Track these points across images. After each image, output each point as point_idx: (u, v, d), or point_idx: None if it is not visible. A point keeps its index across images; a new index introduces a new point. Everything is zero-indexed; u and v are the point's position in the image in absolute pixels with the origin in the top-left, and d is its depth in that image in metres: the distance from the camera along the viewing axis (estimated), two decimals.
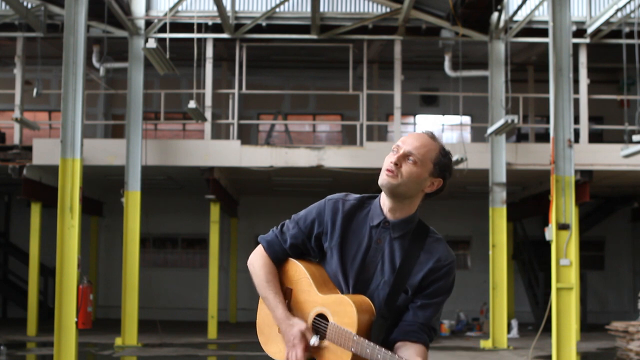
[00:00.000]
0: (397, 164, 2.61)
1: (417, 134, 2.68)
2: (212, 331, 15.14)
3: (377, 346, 2.50)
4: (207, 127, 14.99)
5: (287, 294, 2.74)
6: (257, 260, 2.79)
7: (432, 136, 2.68)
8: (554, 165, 10.21)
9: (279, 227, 2.83)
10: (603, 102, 17.17)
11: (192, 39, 13.72)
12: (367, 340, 2.51)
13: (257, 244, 2.87)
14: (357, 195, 2.79)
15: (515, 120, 11.80)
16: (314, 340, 2.59)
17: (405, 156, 2.62)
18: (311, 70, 19.23)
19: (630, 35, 14.02)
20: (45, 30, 14.23)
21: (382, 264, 2.66)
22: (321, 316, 2.65)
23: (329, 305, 2.62)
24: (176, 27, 14.14)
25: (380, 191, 2.72)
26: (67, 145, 10.20)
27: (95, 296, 18.52)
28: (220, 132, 17.96)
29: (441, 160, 2.66)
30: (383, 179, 2.62)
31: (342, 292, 2.69)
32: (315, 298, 2.66)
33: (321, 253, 2.76)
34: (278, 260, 2.78)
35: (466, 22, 14.01)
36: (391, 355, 2.47)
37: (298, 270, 2.74)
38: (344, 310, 2.58)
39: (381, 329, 2.60)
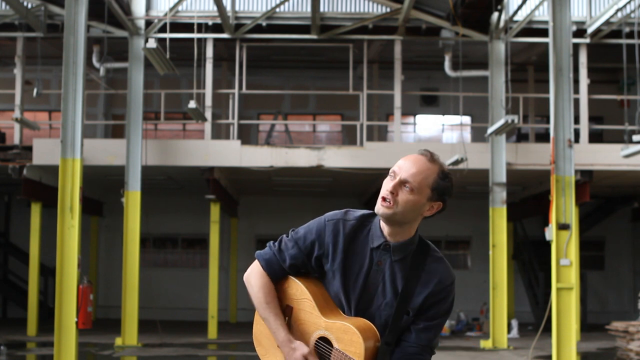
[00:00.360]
0: (393, 193, 2.56)
1: (414, 157, 2.61)
2: (212, 331, 15.14)
3: None
4: (207, 127, 14.99)
5: (286, 312, 2.72)
6: (256, 280, 2.74)
7: (430, 159, 2.61)
8: (554, 165, 10.21)
9: (276, 244, 2.77)
10: (603, 102, 17.16)
11: (192, 39, 13.72)
12: None
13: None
14: (357, 214, 2.74)
15: (515, 120, 11.79)
16: None
17: (401, 184, 2.56)
18: (311, 70, 19.23)
19: (630, 35, 14.02)
20: (45, 30, 14.23)
21: (384, 285, 2.65)
22: (323, 339, 2.63)
23: (333, 331, 2.60)
24: (176, 27, 14.14)
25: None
26: (67, 145, 10.20)
27: (95, 296, 18.52)
28: (220, 132, 17.96)
29: (440, 185, 2.60)
30: (379, 208, 2.59)
31: (344, 312, 2.68)
32: (318, 321, 2.64)
33: (321, 272, 2.73)
34: (277, 279, 2.75)
35: (466, 22, 14.01)
36: None
37: (299, 290, 2.71)
38: (349, 339, 2.56)
39: (385, 355, 2.60)
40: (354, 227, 2.69)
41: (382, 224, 2.65)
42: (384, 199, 2.57)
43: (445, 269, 2.66)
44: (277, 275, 2.73)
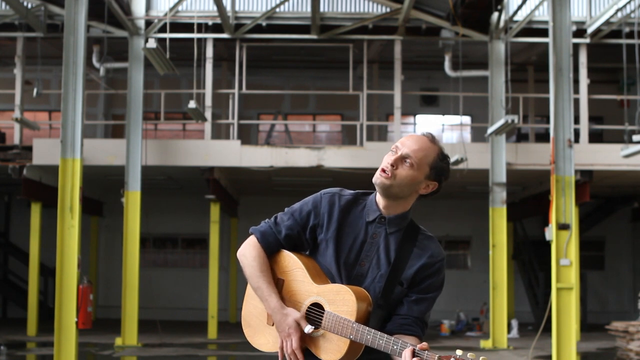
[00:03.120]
0: (394, 166, 2.64)
1: (417, 136, 2.71)
2: (212, 331, 15.14)
3: (379, 332, 2.52)
4: (207, 127, 14.99)
5: (278, 285, 2.75)
6: (250, 252, 2.80)
7: (432, 139, 2.71)
8: (554, 165, 10.21)
9: (272, 219, 2.84)
10: (603, 102, 17.16)
11: (192, 39, 13.72)
12: (367, 327, 2.54)
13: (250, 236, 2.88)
14: (352, 191, 2.82)
15: (515, 120, 11.79)
16: (308, 329, 2.60)
17: (402, 158, 2.65)
18: (311, 70, 19.22)
19: (630, 35, 14.01)
20: (45, 30, 14.23)
21: (378, 257, 2.70)
22: (316, 305, 2.66)
23: (325, 294, 2.64)
24: (176, 27, 14.14)
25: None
26: (67, 145, 10.20)
27: (95, 296, 18.52)
28: (220, 132, 17.96)
29: (438, 164, 2.69)
30: (377, 178, 2.67)
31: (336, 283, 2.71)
32: (310, 288, 2.67)
33: (314, 245, 2.78)
34: (271, 251, 2.79)
35: (466, 22, 14.00)
36: (394, 340, 2.49)
37: (291, 261, 2.75)
38: (342, 299, 2.59)
39: (378, 318, 2.63)
40: (350, 202, 2.76)
41: (378, 199, 2.73)
42: (383, 170, 2.65)
43: (436, 246, 2.74)
44: (271, 247, 2.79)
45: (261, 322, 2.76)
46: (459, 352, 2.36)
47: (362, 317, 2.58)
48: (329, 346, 2.59)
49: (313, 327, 2.61)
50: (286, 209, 2.84)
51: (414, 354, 2.42)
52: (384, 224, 2.71)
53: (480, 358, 2.33)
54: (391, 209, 2.71)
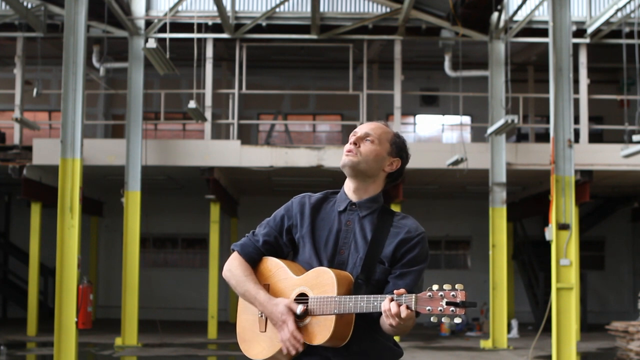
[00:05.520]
0: (356, 144, 2.80)
1: (370, 122, 2.90)
2: (212, 331, 15.14)
3: (358, 296, 2.58)
4: (207, 127, 14.99)
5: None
6: (232, 264, 2.88)
7: (385, 123, 2.90)
8: (554, 165, 10.21)
9: (250, 232, 2.95)
10: (603, 102, 17.17)
11: (192, 39, 13.72)
12: (348, 296, 2.59)
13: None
14: (322, 192, 2.94)
15: (515, 120, 11.79)
16: (299, 309, 2.64)
17: (363, 137, 2.81)
18: (311, 70, 19.22)
19: (630, 35, 14.02)
20: (45, 30, 14.23)
21: (355, 242, 2.76)
22: (302, 295, 2.71)
23: (307, 282, 2.70)
24: (176, 27, 14.14)
25: (342, 184, 2.83)
26: (67, 145, 10.20)
27: (95, 296, 18.51)
28: (220, 132, 17.96)
29: (397, 141, 2.85)
30: (344, 159, 2.80)
31: None
32: (293, 282, 2.74)
33: (293, 247, 2.88)
34: (252, 260, 2.88)
35: (466, 22, 14.00)
36: (373, 297, 2.55)
37: (272, 264, 2.84)
38: (323, 280, 2.65)
39: (360, 289, 2.67)
40: (320, 200, 2.88)
41: (347, 186, 2.85)
42: (348, 150, 2.79)
43: (413, 222, 2.80)
44: (251, 256, 2.87)
45: (254, 332, 2.81)
46: (435, 287, 2.44)
47: (343, 291, 2.63)
48: (318, 329, 2.63)
49: (304, 305, 2.65)
50: (262, 222, 2.96)
51: (392, 301, 2.49)
52: (356, 210, 2.79)
53: (456, 286, 2.41)
54: (361, 192, 2.80)
